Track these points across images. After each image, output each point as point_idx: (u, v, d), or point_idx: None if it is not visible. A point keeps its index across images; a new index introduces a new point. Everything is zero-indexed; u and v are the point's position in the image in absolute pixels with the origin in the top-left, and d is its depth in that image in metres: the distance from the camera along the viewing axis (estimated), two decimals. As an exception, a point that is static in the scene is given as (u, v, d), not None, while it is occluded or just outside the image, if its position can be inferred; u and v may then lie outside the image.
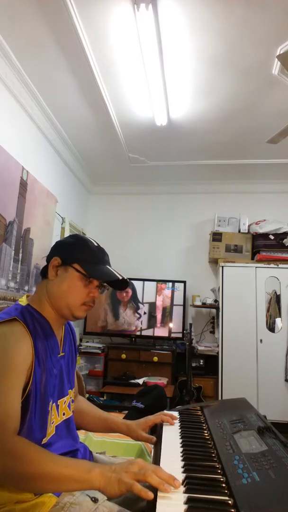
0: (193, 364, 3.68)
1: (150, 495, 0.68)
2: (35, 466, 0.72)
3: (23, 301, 1.02)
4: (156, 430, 1.10)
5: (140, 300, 4.04)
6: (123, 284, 1.07)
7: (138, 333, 3.96)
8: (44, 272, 1.05)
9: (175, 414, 1.18)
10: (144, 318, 4.00)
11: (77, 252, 1.02)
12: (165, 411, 1.18)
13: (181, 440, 0.96)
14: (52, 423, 0.95)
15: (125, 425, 1.13)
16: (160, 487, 0.70)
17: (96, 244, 1.06)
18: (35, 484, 0.73)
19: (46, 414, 0.92)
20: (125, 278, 1.05)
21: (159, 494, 0.69)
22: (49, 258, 1.04)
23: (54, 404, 0.97)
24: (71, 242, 1.05)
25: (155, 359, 3.72)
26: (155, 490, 0.70)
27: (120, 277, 1.03)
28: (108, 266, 1.05)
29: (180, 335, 3.88)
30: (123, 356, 3.78)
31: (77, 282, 1.00)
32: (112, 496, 0.73)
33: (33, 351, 0.90)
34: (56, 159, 3.63)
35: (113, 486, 0.72)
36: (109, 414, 1.20)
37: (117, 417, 1.19)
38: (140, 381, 3.49)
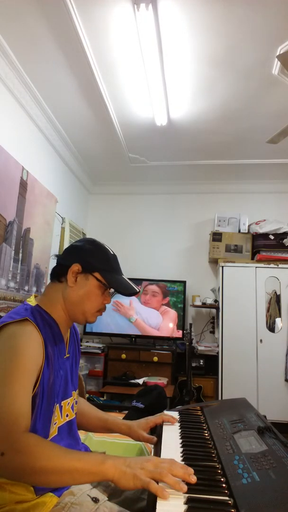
0: (193, 364, 3.68)
1: (166, 494, 0.68)
2: (48, 460, 0.73)
3: (31, 301, 1.02)
4: (156, 430, 1.10)
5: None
6: (134, 293, 1.10)
7: (138, 333, 3.96)
8: (56, 275, 1.05)
9: (175, 414, 1.18)
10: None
11: (98, 261, 1.03)
12: (165, 412, 1.18)
13: (181, 440, 0.96)
14: (55, 424, 0.95)
15: (126, 425, 1.13)
16: (175, 487, 0.70)
17: (112, 253, 1.08)
18: (49, 478, 0.74)
19: (50, 415, 0.92)
20: (139, 289, 1.08)
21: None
22: (64, 262, 1.03)
23: (58, 405, 0.97)
24: (91, 249, 1.05)
25: (155, 359, 3.72)
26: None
27: (137, 290, 1.06)
28: (123, 276, 1.08)
29: (180, 335, 3.88)
30: (123, 356, 3.78)
31: (96, 290, 1.02)
32: (125, 489, 0.74)
33: (44, 352, 0.90)
34: (56, 159, 3.63)
35: (128, 480, 0.72)
36: (109, 414, 1.20)
37: (117, 417, 1.18)
38: (140, 381, 3.49)
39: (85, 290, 1.01)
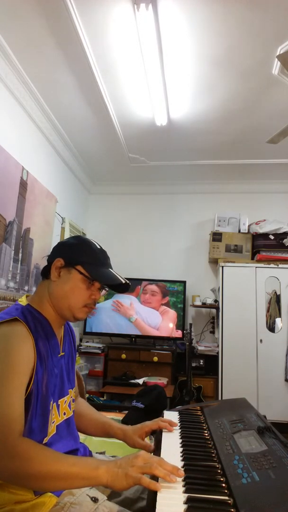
0: (193, 364, 3.68)
1: (159, 487, 0.70)
2: (43, 466, 0.73)
3: (23, 301, 1.02)
4: (155, 432, 1.09)
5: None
6: (125, 287, 1.08)
7: (138, 333, 3.96)
8: (45, 273, 1.05)
9: (175, 414, 1.17)
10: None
11: (81, 254, 1.02)
12: (165, 412, 1.17)
13: (181, 440, 0.96)
14: (53, 422, 0.96)
15: (121, 430, 1.11)
16: (166, 478, 0.72)
17: (98, 247, 1.07)
18: (44, 483, 0.74)
19: (47, 414, 0.92)
20: (127, 281, 1.06)
21: (159, 493, 0.69)
22: (51, 259, 1.04)
23: (55, 403, 0.97)
24: (74, 244, 1.05)
25: (155, 359, 3.72)
26: (154, 491, 0.70)
27: (123, 281, 1.04)
28: (110, 269, 1.06)
29: (180, 335, 3.88)
30: (123, 356, 3.78)
31: (80, 284, 1.00)
32: (120, 490, 0.76)
33: (35, 351, 0.90)
34: (56, 159, 3.63)
35: (121, 481, 0.73)
36: (107, 418, 1.18)
37: (114, 421, 1.15)
38: (140, 381, 3.49)
39: (69, 284, 1.00)
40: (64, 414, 1.02)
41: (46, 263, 1.06)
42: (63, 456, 0.78)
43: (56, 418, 0.97)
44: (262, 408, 3.34)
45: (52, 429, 0.95)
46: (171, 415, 1.16)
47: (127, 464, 0.75)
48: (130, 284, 1.08)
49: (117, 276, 1.04)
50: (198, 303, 3.99)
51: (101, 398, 3.41)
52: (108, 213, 4.67)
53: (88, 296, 1.02)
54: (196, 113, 3.04)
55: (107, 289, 1.09)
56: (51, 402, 0.95)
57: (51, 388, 0.95)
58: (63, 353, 1.06)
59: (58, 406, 0.99)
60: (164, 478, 0.72)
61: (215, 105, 2.93)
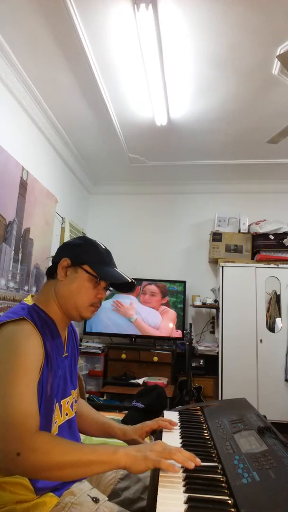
0: (193, 364, 3.68)
1: (177, 469, 0.75)
2: (64, 456, 0.76)
3: (28, 300, 1.03)
4: (155, 432, 1.09)
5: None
6: (130, 286, 1.09)
7: (138, 333, 3.96)
8: (50, 273, 1.06)
9: (175, 414, 1.17)
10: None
11: (87, 254, 1.03)
12: (165, 412, 1.17)
13: (181, 440, 0.96)
14: (55, 423, 0.96)
15: (121, 430, 1.11)
16: (184, 463, 0.77)
17: (103, 247, 1.08)
18: (65, 472, 0.76)
19: (51, 414, 0.92)
20: (133, 280, 1.08)
21: (159, 493, 0.69)
22: (56, 259, 1.05)
23: (58, 404, 0.97)
24: (80, 244, 1.06)
25: (155, 359, 3.72)
26: (154, 491, 0.70)
27: (129, 280, 1.06)
28: (116, 269, 1.07)
29: (180, 335, 3.88)
30: (123, 356, 3.78)
31: (86, 283, 1.02)
32: (137, 473, 0.81)
33: (43, 350, 0.91)
34: (56, 159, 3.63)
35: (140, 463, 0.77)
36: (107, 418, 1.19)
37: (114, 422, 1.16)
38: (140, 381, 3.49)
39: (76, 283, 1.01)
40: (66, 414, 1.02)
41: (49, 264, 1.07)
42: (82, 445, 0.81)
43: (58, 418, 0.97)
44: (262, 408, 3.34)
45: (54, 430, 0.95)
46: (171, 415, 1.16)
47: (147, 449, 0.79)
48: (135, 283, 1.10)
49: (123, 275, 1.06)
50: (198, 303, 3.99)
51: (101, 398, 3.41)
52: (108, 213, 4.66)
53: (94, 295, 1.03)
54: (196, 113, 3.04)
55: (111, 289, 1.10)
56: (55, 403, 0.95)
57: (54, 389, 0.95)
58: (66, 354, 1.06)
59: (60, 406, 0.99)
60: (182, 463, 0.76)
61: (215, 105, 2.93)
